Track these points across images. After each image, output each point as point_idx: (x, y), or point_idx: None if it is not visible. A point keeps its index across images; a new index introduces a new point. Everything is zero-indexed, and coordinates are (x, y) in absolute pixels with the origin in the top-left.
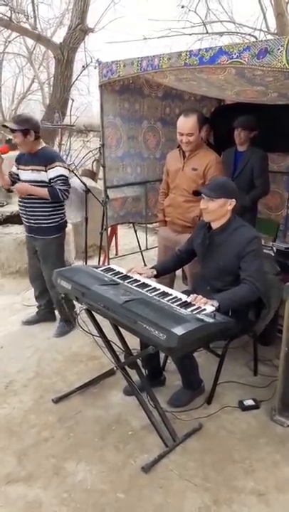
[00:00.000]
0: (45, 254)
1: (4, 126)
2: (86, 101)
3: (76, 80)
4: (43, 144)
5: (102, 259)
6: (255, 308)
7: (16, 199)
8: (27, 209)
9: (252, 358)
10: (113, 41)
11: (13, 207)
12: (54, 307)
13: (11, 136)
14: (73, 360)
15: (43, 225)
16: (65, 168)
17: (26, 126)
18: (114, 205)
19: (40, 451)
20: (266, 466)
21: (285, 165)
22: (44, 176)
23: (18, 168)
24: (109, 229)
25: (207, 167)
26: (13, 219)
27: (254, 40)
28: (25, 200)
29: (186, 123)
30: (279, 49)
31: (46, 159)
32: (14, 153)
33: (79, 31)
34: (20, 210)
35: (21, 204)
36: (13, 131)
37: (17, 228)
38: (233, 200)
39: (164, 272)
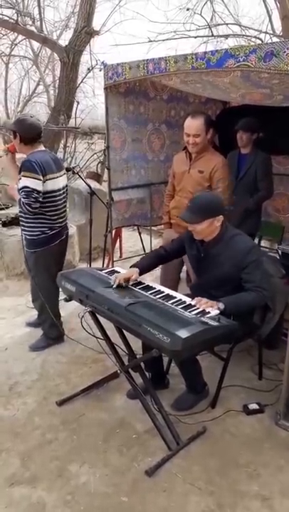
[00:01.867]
0: (31, 267)
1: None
2: (91, 103)
3: (81, 82)
4: (38, 149)
5: (106, 261)
6: (260, 311)
7: None
8: (22, 218)
9: (257, 362)
10: (118, 44)
11: (18, 209)
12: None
13: None
14: (77, 363)
15: (27, 237)
16: (33, 178)
17: (14, 127)
18: (118, 207)
19: (44, 453)
20: (270, 470)
21: None
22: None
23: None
24: (113, 231)
25: (213, 170)
26: (17, 221)
27: (260, 42)
28: (21, 211)
29: (193, 123)
30: (285, 52)
31: (21, 168)
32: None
33: (84, 34)
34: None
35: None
36: (11, 132)
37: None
38: (220, 216)
39: (146, 270)
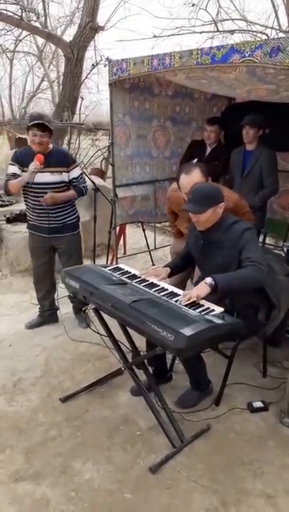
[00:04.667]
0: (71, 251)
1: (40, 125)
2: (95, 99)
3: (86, 78)
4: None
5: (110, 258)
6: (264, 309)
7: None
8: (50, 211)
9: (261, 360)
10: (123, 39)
11: (22, 205)
12: (57, 307)
13: (22, 135)
14: (81, 360)
15: (68, 222)
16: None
17: (51, 126)
18: (122, 203)
19: (47, 449)
20: (275, 468)
21: None
22: (65, 176)
23: (22, 171)
24: (117, 228)
25: (234, 212)
26: (21, 217)
27: (266, 38)
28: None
29: (191, 181)
30: None
31: (67, 159)
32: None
33: (89, 29)
34: (40, 213)
35: (40, 207)
36: (43, 130)
37: (25, 227)
38: (222, 203)
39: (177, 270)
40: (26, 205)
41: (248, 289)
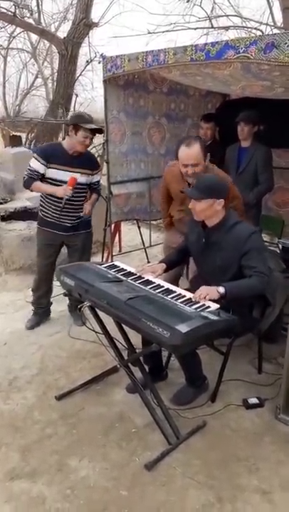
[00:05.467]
0: (86, 247)
1: (94, 133)
2: (90, 96)
3: (80, 75)
4: None
5: (105, 255)
6: (260, 305)
7: (21, 195)
8: (70, 209)
9: (256, 356)
10: (117, 36)
11: (17, 203)
12: (51, 303)
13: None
14: (76, 357)
15: (85, 220)
16: None
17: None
18: (117, 201)
19: (43, 447)
20: (270, 464)
21: None
22: (89, 179)
23: (48, 167)
24: (112, 225)
25: None
26: (16, 215)
27: (260, 34)
28: (71, 202)
29: (191, 153)
30: (286, 43)
31: (95, 163)
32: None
33: (83, 26)
34: (62, 211)
35: (60, 207)
36: (95, 133)
37: (20, 224)
38: (222, 200)
39: (173, 265)
40: (46, 201)
41: (250, 297)
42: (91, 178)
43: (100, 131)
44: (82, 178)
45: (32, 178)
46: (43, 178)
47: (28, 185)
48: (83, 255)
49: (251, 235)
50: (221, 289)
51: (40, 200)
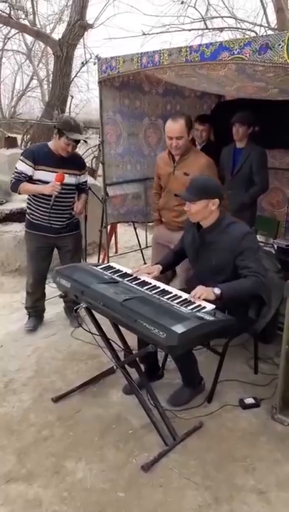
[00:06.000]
0: (77, 248)
1: (78, 141)
2: (85, 97)
3: (75, 76)
4: None
5: (101, 257)
6: (255, 306)
7: (17, 197)
8: (59, 210)
9: (252, 356)
10: (112, 37)
11: (13, 205)
12: (44, 307)
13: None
14: (73, 359)
15: (74, 221)
16: None
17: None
18: (114, 202)
19: (40, 449)
20: (267, 464)
21: (287, 161)
22: (77, 179)
23: (36, 169)
24: (108, 227)
25: (201, 171)
26: (12, 217)
27: (254, 35)
28: (59, 203)
29: (175, 126)
30: (280, 44)
31: (82, 164)
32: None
33: (78, 27)
34: (51, 212)
35: (48, 207)
36: (78, 142)
37: (16, 226)
38: (216, 199)
39: (169, 267)
40: (33, 203)
41: (246, 297)
42: (79, 178)
43: (78, 141)
44: (70, 179)
45: (19, 181)
46: (30, 180)
47: (15, 187)
48: (74, 257)
49: (246, 235)
50: (217, 290)
51: (28, 203)
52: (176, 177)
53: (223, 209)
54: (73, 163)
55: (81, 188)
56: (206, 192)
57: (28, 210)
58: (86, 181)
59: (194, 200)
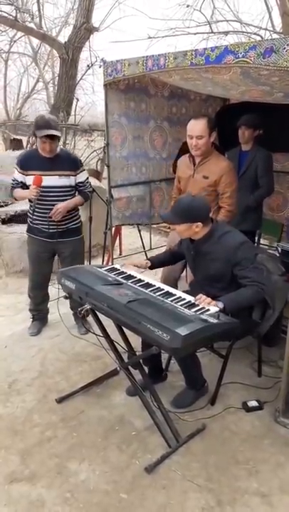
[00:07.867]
0: (75, 255)
1: (51, 136)
2: (91, 100)
3: (81, 79)
4: None
5: (106, 258)
6: (259, 309)
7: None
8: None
9: (256, 359)
10: (118, 41)
11: (17, 206)
12: (48, 309)
13: (16, 137)
14: (77, 360)
15: (72, 226)
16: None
17: (59, 133)
18: (118, 204)
19: (43, 450)
20: (270, 467)
21: None
22: (73, 180)
23: (26, 175)
24: (113, 229)
25: (220, 175)
26: (17, 218)
27: (259, 39)
28: (50, 207)
29: (196, 125)
30: (285, 48)
31: (75, 163)
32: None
33: (84, 30)
34: (45, 217)
35: (45, 211)
36: (52, 138)
37: (21, 227)
38: (199, 223)
39: (159, 264)
40: (30, 207)
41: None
42: (74, 178)
43: (52, 137)
44: (61, 180)
45: (13, 187)
46: (25, 186)
47: (11, 194)
48: (73, 262)
49: (240, 244)
50: (220, 304)
51: (29, 207)
52: (195, 180)
53: (215, 219)
54: (65, 163)
55: (79, 190)
56: (188, 216)
57: (28, 214)
58: (84, 181)
59: (176, 223)
